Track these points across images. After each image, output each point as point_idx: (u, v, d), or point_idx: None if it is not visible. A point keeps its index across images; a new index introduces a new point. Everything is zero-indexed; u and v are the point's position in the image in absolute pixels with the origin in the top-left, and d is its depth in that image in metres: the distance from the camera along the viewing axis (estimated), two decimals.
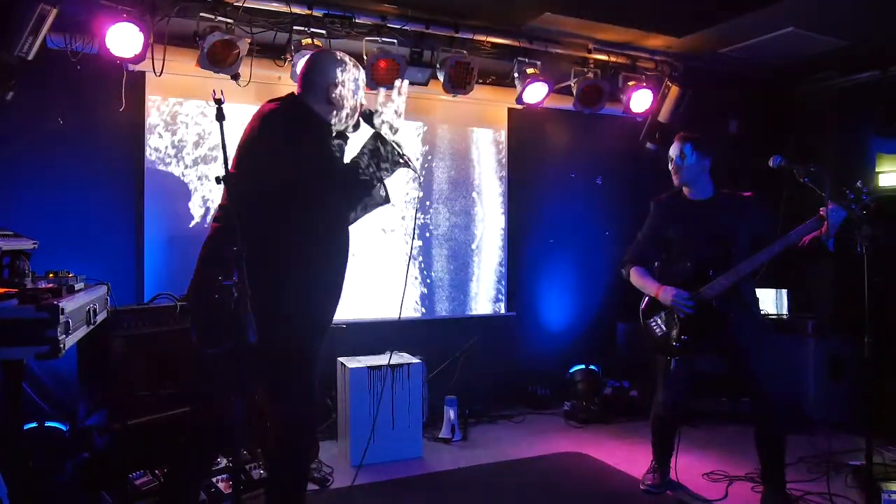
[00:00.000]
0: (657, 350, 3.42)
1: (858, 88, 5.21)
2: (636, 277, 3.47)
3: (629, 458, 4.06)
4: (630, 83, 4.95)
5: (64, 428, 3.46)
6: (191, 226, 4.34)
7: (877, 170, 5.54)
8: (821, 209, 2.98)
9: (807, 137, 5.36)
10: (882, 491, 3.03)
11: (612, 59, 4.86)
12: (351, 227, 2.54)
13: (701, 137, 3.35)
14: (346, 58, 2.53)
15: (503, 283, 5.39)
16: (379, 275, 4.84)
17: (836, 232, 2.95)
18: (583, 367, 5.15)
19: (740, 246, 3.22)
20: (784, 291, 5.16)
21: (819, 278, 5.20)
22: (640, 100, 4.97)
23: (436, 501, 3.49)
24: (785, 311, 5.13)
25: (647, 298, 3.45)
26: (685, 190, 3.42)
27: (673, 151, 3.39)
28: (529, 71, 4.58)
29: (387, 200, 2.54)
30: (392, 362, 4.07)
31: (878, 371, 2.95)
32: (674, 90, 4.99)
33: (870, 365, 2.86)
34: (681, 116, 5.02)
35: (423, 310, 5.09)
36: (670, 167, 3.41)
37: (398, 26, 4.16)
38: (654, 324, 3.40)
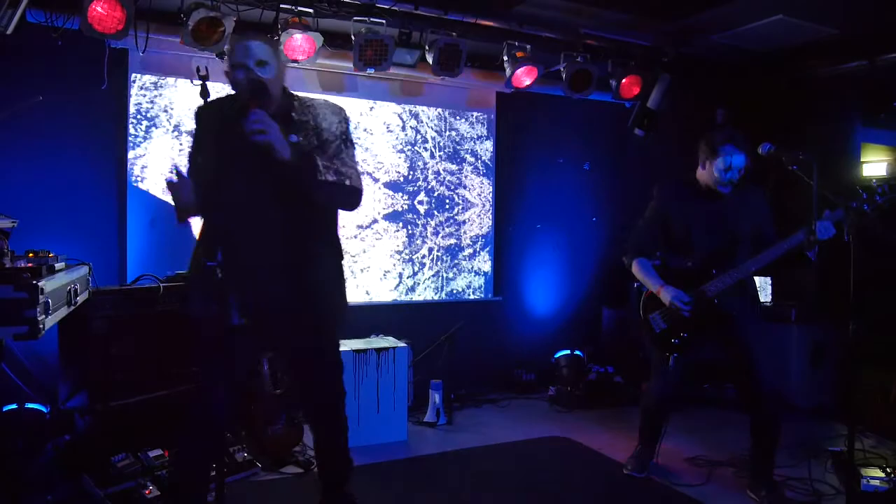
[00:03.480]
0: (656, 345, 3.35)
1: (845, 78, 5.21)
2: (638, 270, 3.36)
3: (613, 442, 4.08)
4: (619, 68, 4.93)
5: (45, 410, 3.41)
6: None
7: (861, 159, 5.57)
8: (815, 223, 2.93)
9: (793, 126, 5.37)
10: (861, 476, 3.07)
11: (603, 43, 4.83)
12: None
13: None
14: None
15: (490, 267, 5.38)
16: (364, 259, 4.82)
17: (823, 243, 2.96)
18: (568, 352, 5.16)
19: (745, 243, 3.17)
20: (768, 279, 5.19)
21: (802, 266, 5.23)
22: (629, 85, 4.95)
23: (420, 485, 3.49)
24: (768, 298, 5.16)
25: (647, 292, 3.37)
26: (706, 182, 3.24)
27: (742, 162, 3.12)
28: (519, 55, 4.54)
29: None
30: (377, 346, 4.06)
31: (859, 358, 2.98)
32: (663, 77, 4.97)
33: (851, 352, 2.88)
34: (669, 103, 5.01)
35: (409, 294, 5.07)
36: (734, 178, 3.13)
37: (387, 6, 4.10)
38: (653, 319, 3.33)
